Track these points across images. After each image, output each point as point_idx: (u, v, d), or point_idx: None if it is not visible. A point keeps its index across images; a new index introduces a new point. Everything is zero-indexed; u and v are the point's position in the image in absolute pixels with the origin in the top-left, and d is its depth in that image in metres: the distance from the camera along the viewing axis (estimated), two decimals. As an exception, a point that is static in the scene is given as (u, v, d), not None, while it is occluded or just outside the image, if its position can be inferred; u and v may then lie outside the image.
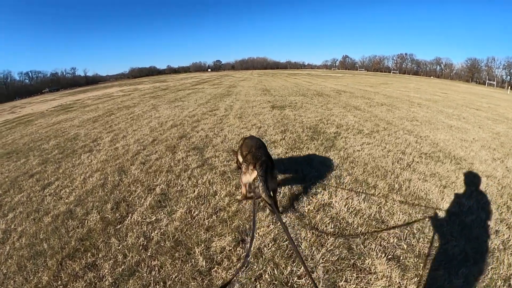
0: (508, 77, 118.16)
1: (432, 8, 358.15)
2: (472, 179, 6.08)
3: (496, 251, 3.81)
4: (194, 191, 5.25)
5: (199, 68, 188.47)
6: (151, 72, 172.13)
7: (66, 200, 5.45)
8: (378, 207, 4.75)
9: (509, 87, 62.56)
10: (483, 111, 16.57)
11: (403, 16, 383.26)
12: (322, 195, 5.06)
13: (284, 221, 4.30)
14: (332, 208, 4.68)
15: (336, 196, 5.02)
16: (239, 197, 4.92)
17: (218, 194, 5.11)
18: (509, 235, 4.16)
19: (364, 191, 5.24)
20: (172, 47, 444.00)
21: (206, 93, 22.36)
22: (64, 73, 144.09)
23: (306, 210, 4.59)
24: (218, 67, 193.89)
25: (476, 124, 11.84)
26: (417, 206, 4.83)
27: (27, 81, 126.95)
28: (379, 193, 5.23)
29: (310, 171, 6.04)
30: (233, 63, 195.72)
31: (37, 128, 13.49)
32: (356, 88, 27.32)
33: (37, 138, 11.12)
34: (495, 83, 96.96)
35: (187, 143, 8.27)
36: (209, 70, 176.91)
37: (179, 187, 5.48)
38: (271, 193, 3.92)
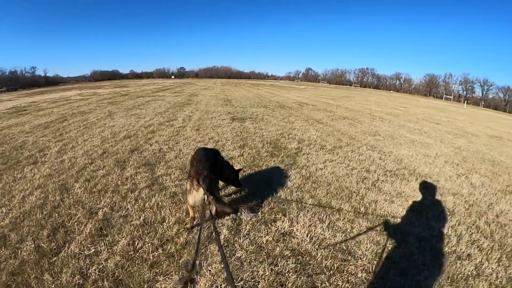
0: (464, 92, 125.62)
1: (393, 25, 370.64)
2: (439, 198, 5.98)
3: (470, 278, 3.61)
4: (140, 217, 4.66)
5: (162, 74, 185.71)
6: (114, 76, 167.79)
7: (1, 223, 4.71)
8: (343, 234, 4.39)
9: (465, 101, 65.76)
10: (443, 125, 17.31)
11: (365, 31, 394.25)
12: (282, 222, 4.62)
13: (239, 255, 3.84)
14: (294, 237, 4.25)
15: (297, 223, 4.60)
16: (188, 225, 4.39)
17: (167, 221, 4.55)
18: (481, 258, 4.04)
19: (328, 216, 4.87)
20: (136, 51, 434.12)
21: (166, 101, 21.62)
22: (24, 72, 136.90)
23: (264, 241, 4.12)
24: (182, 74, 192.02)
25: (437, 139, 12.17)
26: (385, 232, 4.53)
27: None
28: (344, 218, 4.88)
29: (269, 193, 5.61)
30: (197, 71, 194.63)
31: (-17, 133, 12.42)
32: (319, 100, 27.54)
33: (-20, 145, 10.13)
34: (451, 97, 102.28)
35: (139, 157, 7.66)
36: (173, 77, 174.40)
37: (123, 211, 4.86)
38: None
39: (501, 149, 11.98)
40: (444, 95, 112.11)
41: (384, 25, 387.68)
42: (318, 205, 5.26)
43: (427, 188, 6.42)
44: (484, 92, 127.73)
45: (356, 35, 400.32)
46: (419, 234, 4.51)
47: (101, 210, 4.91)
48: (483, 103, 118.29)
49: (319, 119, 15.14)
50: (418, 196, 5.96)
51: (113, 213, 4.83)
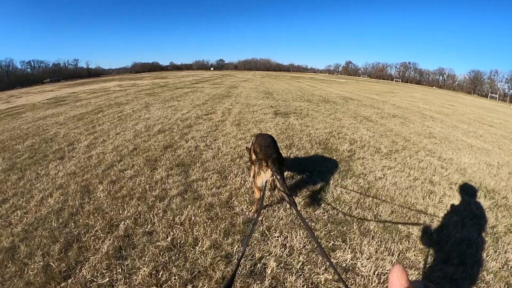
0: (510, 90, 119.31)
1: (437, 18, 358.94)
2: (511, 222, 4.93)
3: None
4: (168, 236, 3.83)
5: (201, 66, 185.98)
6: (154, 68, 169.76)
7: (14, 230, 4.06)
8: (417, 272, 3.45)
9: None
10: (496, 128, 15.87)
11: (408, 25, 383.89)
12: (343, 251, 3.70)
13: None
14: (358, 275, 3.33)
15: (361, 254, 3.67)
16: (253, 210, 4.48)
17: (200, 244, 3.70)
18: None
19: (396, 244, 3.92)
20: (176, 44, 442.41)
21: (204, 93, 20.91)
22: (67, 64, 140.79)
23: (323, 281, 3.21)
24: (220, 66, 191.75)
25: (495, 144, 10.99)
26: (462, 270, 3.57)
27: (29, 70, 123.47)
28: (415, 247, 3.93)
29: (325, 209, 4.71)
30: (236, 63, 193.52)
31: (21, 123, 11.94)
32: (362, 95, 26.17)
33: (15, 135, 9.64)
34: (497, 96, 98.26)
35: (172, 156, 6.86)
36: (212, 69, 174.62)
37: (149, 226, 4.05)
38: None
39: None
40: (490, 94, 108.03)
41: (428, 17, 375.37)
42: (384, 228, 4.32)
43: (497, 207, 5.44)
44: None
45: (398, 27, 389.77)
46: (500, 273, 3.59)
47: (123, 222, 4.16)
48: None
49: (367, 116, 13.99)
50: (490, 218, 4.98)
51: (137, 227, 4.04)
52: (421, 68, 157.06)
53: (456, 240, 4.13)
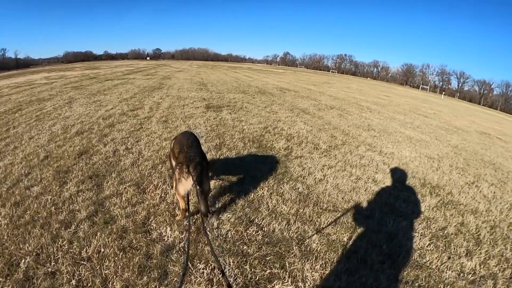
0: (441, 83, 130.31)
1: (372, 13, 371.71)
2: (460, 221, 4.87)
3: None
4: (72, 279, 3.01)
5: (137, 55, 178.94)
6: (87, 57, 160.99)
7: None
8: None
9: (443, 93, 66.51)
10: (431, 118, 16.54)
11: (344, 18, 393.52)
12: (282, 281, 3.13)
13: None
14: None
15: (304, 283, 3.14)
16: (178, 217, 4.07)
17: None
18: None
19: (343, 265, 3.43)
20: (110, 31, 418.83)
21: (135, 85, 19.57)
22: None
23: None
24: (157, 55, 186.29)
25: (432, 135, 11.39)
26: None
27: None
28: (365, 264, 3.50)
29: (258, 227, 4.09)
30: (173, 53, 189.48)
31: None
32: (300, 86, 26.23)
33: None
34: (428, 87, 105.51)
35: (86, 164, 5.89)
36: (148, 58, 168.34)
37: (52, 265, 3.20)
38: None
39: (494, 149, 11.44)
40: (421, 85, 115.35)
41: (364, 11, 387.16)
42: (328, 245, 3.79)
43: (444, 205, 5.33)
44: (460, 84, 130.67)
45: (335, 21, 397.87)
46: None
47: (23, 260, 3.28)
48: (458, 94, 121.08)
49: (304, 108, 13.68)
50: (439, 219, 4.81)
51: (39, 267, 3.19)
52: (357, 60, 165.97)
53: (407, 250, 3.84)
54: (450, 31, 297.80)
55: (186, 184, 3.50)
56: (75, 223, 3.94)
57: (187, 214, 3.72)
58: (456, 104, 48.73)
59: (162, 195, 4.70)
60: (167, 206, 4.38)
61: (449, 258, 3.76)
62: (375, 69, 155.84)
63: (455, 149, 9.72)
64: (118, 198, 4.57)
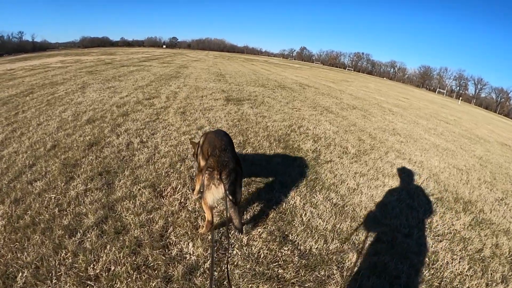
0: (458, 87, 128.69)
1: (393, 11, 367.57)
2: (494, 243, 4.42)
3: None
4: None
5: (154, 43, 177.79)
6: (103, 43, 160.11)
7: None
8: None
9: (459, 98, 65.50)
10: (452, 125, 15.94)
11: (363, 15, 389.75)
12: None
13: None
14: None
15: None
16: (202, 230, 3.48)
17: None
18: None
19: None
20: (128, 18, 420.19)
21: (151, 73, 18.99)
22: (11, 37, 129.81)
23: None
24: (173, 44, 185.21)
25: (457, 144, 10.92)
26: None
27: None
28: None
29: (293, 246, 3.52)
30: (189, 42, 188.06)
31: None
32: (319, 82, 25.52)
33: None
34: (445, 92, 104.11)
35: (96, 158, 5.32)
36: (164, 46, 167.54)
37: (52, 283, 2.68)
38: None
39: (516, 161, 10.79)
40: (438, 89, 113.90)
41: (384, 10, 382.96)
42: (372, 270, 3.28)
43: (479, 225, 4.87)
44: (477, 91, 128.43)
45: (354, 18, 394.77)
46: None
47: (21, 273, 2.77)
48: (474, 101, 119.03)
49: (327, 106, 13.03)
50: (475, 240, 4.36)
51: (38, 284, 2.68)
52: (374, 59, 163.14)
53: (449, 276, 3.48)
54: (470, 35, 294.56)
55: (216, 193, 3.10)
56: (81, 231, 3.39)
57: (211, 227, 3.38)
58: (473, 111, 47.60)
59: (182, 200, 4.14)
60: (187, 215, 3.81)
61: (487, 285, 3.44)
62: (392, 69, 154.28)
63: (480, 160, 9.16)
64: (131, 202, 3.99)
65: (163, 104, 9.79)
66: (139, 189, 4.30)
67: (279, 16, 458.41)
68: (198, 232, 3.50)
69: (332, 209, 4.40)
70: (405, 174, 6.36)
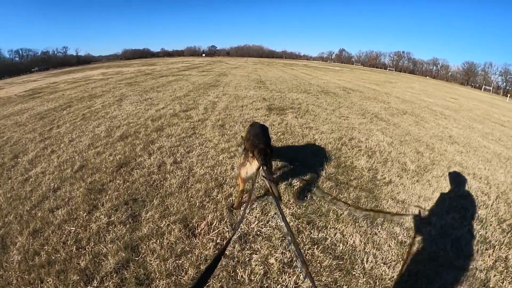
0: (504, 83, 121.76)
1: (432, 8, 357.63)
2: None
3: None
4: None
5: (193, 52, 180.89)
6: (144, 54, 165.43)
7: None
8: None
9: (509, 95, 62.28)
10: (508, 128, 14.42)
11: (402, 13, 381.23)
12: None
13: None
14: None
15: None
16: (235, 205, 4.07)
17: None
18: None
19: None
20: (168, 30, 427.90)
21: (190, 82, 18.67)
22: (56, 52, 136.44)
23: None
24: (213, 52, 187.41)
25: None
26: None
27: (17, 59, 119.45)
28: None
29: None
30: (228, 49, 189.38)
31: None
32: (362, 85, 24.46)
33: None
34: (491, 88, 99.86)
35: (124, 182, 4.78)
36: (203, 55, 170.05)
37: None
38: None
39: None
40: (484, 86, 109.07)
41: (423, 5, 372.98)
42: None
43: None
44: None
45: (391, 16, 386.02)
46: None
47: None
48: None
49: (376, 112, 12.09)
50: None
51: None
52: (415, 58, 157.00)
53: None
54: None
55: (249, 168, 3.68)
56: (98, 278, 2.89)
57: (244, 196, 3.92)
58: (524, 108, 45.31)
59: (218, 241, 3.47)
60: (224, 263, 3.12)
61: None
62: (434, 67, 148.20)
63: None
64: (157, 242, 3.39)
65: (200, 116, 9.23)
66: (168, 225, 3.69)
67: (315, 19, 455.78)
68: (232, 208, 4.03)
69: (398, 249, 3.60)
70: (473, 196, 5.46)
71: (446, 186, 5.66)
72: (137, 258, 3.13)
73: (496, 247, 3.92)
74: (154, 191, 4.50)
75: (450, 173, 6.39)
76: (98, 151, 6.12)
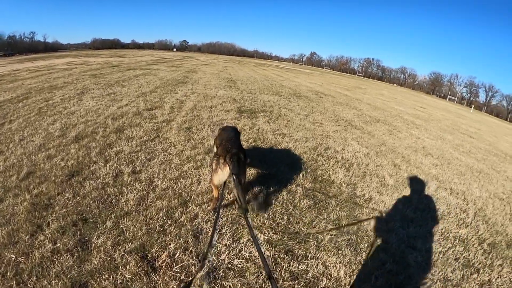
0: (468, 94, 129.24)
1: (403, 17, 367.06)
2: None
3: None
4: None
5: (164, 46, 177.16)
6: (114, 45, 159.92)
7: None
8: None
9: (471, 106, 64.75)
10: (475, 139, 15.02)
11: (374, 20, 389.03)
12: None
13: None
14: None
15: None
16: (210, 207, 4.00)
17: None
18: None
19: None
20: (139, 21, 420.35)
21: (157, 77, 17.89)
22: (23, 37, 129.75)
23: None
24: (184, 47, 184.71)
25: (487, 163, 9.85)
26: None
27: None
28: None
29: None
30: (200, 45, 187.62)
31: None
32: (333, 90, 24.59)
33: None
34: (455, 99, 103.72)
35: (74, 196, 4.06)
36: (175, 49, 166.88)
37: None
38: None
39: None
40: (449, 96, 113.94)
41: (395, 15, 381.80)
42: None
43: None
44: (488, 98, 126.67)
45: (364, 23, 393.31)
46: None
47: None
48: (485, 108, 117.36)
49: (349, 119, 11.83)
50: None
51: None
52: (384, 65, 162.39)
53: None
54: (481, 41, 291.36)
55: (221, 174, 3.54)
56: None
57: (218, 203, 3.57)
58: (487, 119, 46.48)
59: (183, 277, 2.91)
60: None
61: None
62: (402, 76, 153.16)
63: (519, 188, 8.09)
64: (110, 278, 2.79)
65: (166, 116, 8.59)
66: (123, 255, 3.07)
67: (288, 20, 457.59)
68: (208, 209, 3.93)
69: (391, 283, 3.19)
70: (453, 213, 5.33)
71: (427, 204, 5.45)
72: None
73: (480, 270, 3.77)
74: (107, 209, 3.85)
75: (428, 188, 6.28)
76: (49, 154, 5.40)
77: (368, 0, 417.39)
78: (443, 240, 4.28)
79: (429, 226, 4.63)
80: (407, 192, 5.79)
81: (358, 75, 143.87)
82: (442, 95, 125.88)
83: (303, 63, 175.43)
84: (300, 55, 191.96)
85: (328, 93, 21.02)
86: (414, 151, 8.95)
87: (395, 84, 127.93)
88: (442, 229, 4.61)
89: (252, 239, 2.64)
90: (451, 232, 4.57)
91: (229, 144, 3.86)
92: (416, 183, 6.35)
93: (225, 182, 3.57)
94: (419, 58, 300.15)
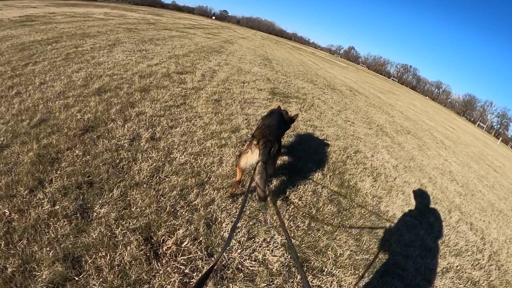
0: (498, 125, 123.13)
1: (451, 32, 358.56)
2: None
3: None
4: None
5: (204, 12, 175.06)
6: (154, 3, 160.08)
7: None
8: None
9: (500, 138, 63.29)
10: (499, 174, 14.29)
11: (419, 29, 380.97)
12: None
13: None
14: None
15: None
16: (230, 190, 3.71)
17: None
18: None
19: None
20: None
21: (193, 42, 17.44)
22: None
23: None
24: (223, 17, 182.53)
25: (508, 204, 9.13)
26: None
27: None
28: None
29: None
30: (239, 18, 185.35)
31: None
32: (367, 90, 23.89)
33: None
34: (484, 126, 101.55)
35: (84, 154, 3.76)
36: (214, 18, 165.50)
37: None
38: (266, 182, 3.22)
39: None
40: (479, 122, 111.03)
41: (442, 27, 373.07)
42: None
43: None
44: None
45: (409, 29, 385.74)
46: None
47: None
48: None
49: (381, 125, 11.39)
50: None
51: None
52: (420, 75, 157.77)
53: None
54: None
55: (250, 157, 3.32)
56: None
57: (243, 192, 3.70)
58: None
59: (187, 271, 2.61)
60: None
61: None
62: (436, 90, 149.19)
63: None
64: (107, 257, 2.49)
65: (195, 83, 8.21)
66: (125, 233, 2.75)
67: (333, 9, 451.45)
68: (229, 192, 3.65)
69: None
70: (470, 252, 5.00)
71: (447, 236, 5.15)
72: (76, 278, 2.26)
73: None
74: (117, 175, 3.51)
75: (450, 218, 6.03)
76: (67, 103, 5.10)
77: (421, 5, 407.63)
78: (456, 279, 4.02)
79: (446, 260, 4.37)
80: (430, 217, 5.46)
81: (392, 79, 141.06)
82: (472, 119, 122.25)
83: (339, 56, 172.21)
84: (338, 47, 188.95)
85: (362, 91, 20.46)
86: (441, 173, 8.57)
87: (427, 97, 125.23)
88: (457, 266, 4.34)
89: (281, 227, 2.49)
90: (465, 272, 4.30)
91: (268, 130, 3.60)
92: (440, 210, 6.03)
93: (254, 169, 3.18)
94: (457, 75, 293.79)
